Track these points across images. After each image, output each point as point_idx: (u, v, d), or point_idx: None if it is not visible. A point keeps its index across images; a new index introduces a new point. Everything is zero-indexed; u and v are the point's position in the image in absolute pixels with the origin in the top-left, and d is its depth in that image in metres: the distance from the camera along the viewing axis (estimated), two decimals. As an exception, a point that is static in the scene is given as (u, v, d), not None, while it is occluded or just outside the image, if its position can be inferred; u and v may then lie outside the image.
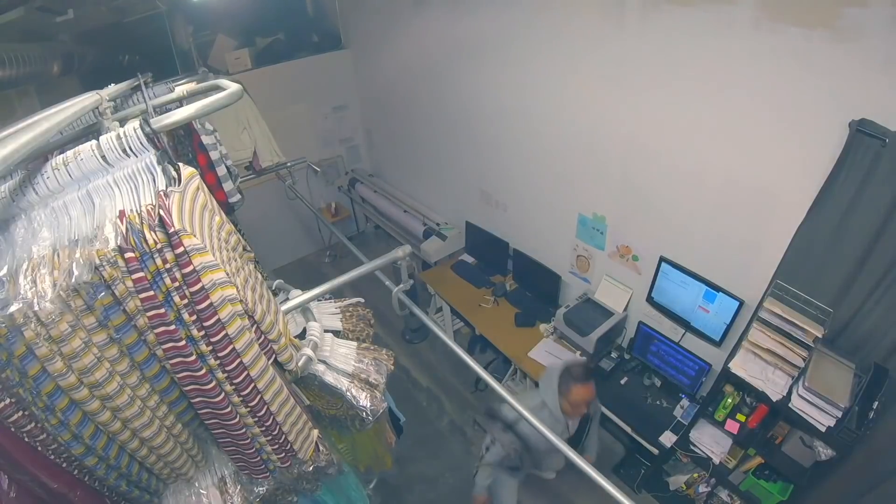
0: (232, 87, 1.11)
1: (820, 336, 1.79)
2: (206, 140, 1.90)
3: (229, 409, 1.07)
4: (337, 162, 4.62)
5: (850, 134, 1.62)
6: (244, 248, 1.27)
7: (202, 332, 0.97)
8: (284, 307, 1.33)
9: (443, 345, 1.81)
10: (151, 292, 0.95)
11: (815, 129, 1.73)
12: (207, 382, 1.02)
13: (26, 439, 0.92)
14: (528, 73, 2.70)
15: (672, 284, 2.46)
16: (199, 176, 1.02)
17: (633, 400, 2.62)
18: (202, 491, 1.32)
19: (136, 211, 0.91)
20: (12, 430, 0.89)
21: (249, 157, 3.20)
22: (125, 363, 1.02)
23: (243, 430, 1.12)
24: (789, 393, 1.85)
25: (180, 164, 0.98)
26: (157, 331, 1.00)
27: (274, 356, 1.13)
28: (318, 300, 1.53)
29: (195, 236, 0.94)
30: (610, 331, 2.74)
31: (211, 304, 0.96)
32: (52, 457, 0.98)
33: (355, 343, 1.46)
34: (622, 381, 2.72)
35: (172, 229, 0.91)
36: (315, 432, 1.29)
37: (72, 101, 1.06)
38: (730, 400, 2.13)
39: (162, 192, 0.92)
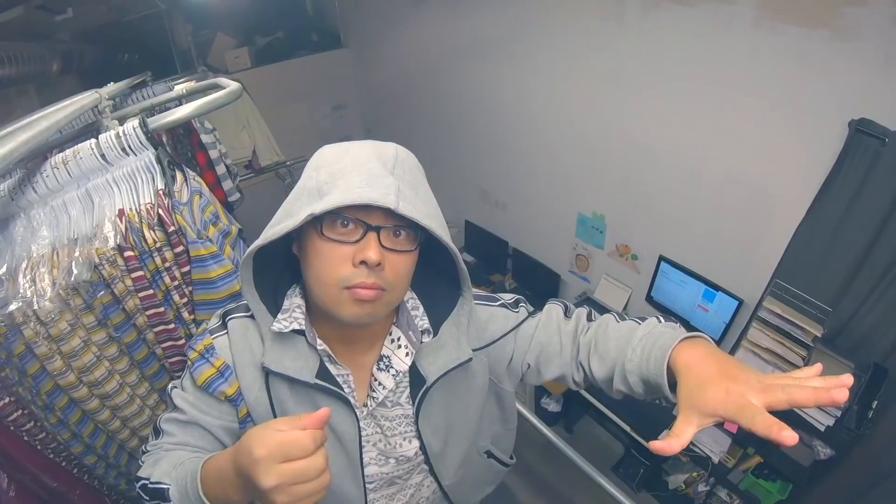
0: (231, 85, 1.11)
1: (819, 335, 1.79)
2: (206, 139, 1.90)
3: (229, 407, 1.07)
4: (336, 161, 4.61)
5: (850, 133, 1.62)
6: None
7: (201, 331, 0.97)
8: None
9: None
10: (151, 291, 0.95)
11: (814, 129, 1.73)
12: (207, 381, 1.02)
13: (25, 438, 0.92)
14: (528, 71, 2.69)
15: (671, 283, 2.46)
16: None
17: (632, 399, 2.60)
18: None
19: (136, 210, 0.91)
20: (11, 428, 0.89)
21: (249, 156, 3.19)
22: (124, 361, 1.02)
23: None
24: (788, 392, 1.85)
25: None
26: (156, 329, 1.00)
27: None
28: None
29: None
30: (609, 330, 2.73)
31: (210, 302, 0.96)
32: (52, 455, 0.98)
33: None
34: (621, 381, 2.72)
35: (171, 228, 0.91)
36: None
37: (71, 100, 1.06)
38: (729, 399, 2.13)
39: (161, 191, 0.92)
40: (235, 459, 0.54)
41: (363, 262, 0.60)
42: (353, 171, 0.60)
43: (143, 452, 0.73)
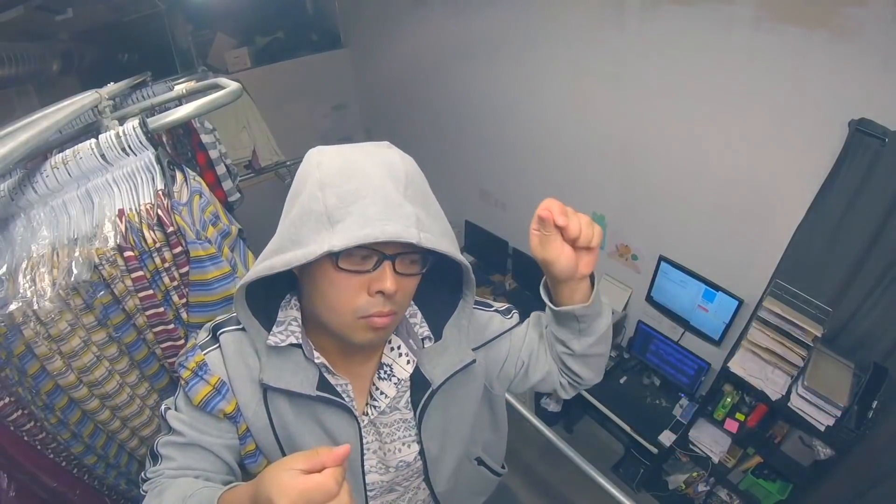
0: (231, 85, 1.11)
1: (819, 335, 1.79)
2: (206, 139, 1.90)
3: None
4: (336, 161, 4.60)
5: (850, 133, 1.62)
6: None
7: (201, 331, 0.97)
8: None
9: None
10: (150, 291, 0.95)
11: (814, 129, 1.73)
12: (207, 381, 1.02)
13: (25, 438, 0.91)
14: (528, 71, 2.69)
15: (671, 283, 2.46)
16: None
17: (632, 399, 2.62)
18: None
19: (136, 210, 0.91)
20: (11, 428, 0.89)
21: (249, 156, 3.20)
22: (124, 361, 1.02)
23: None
24: (788, 392, 1.86)
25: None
26: (155, 329, 1.00)
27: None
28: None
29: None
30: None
31: (210, 302, 0.96)
32: (52, 455, 0.98)
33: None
34: (621, 381, 2.72)
35: (170, 229, 0.91)
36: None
37: (71, 100, 1.06)
38: (729, 399, 2.13)
39: (160, 192, 0.92)
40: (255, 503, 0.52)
41: (379, 292, 0.59)
42: (367, 196, 0.56)
43: (143, 480, 0.70)
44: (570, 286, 0.72)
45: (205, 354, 0.71)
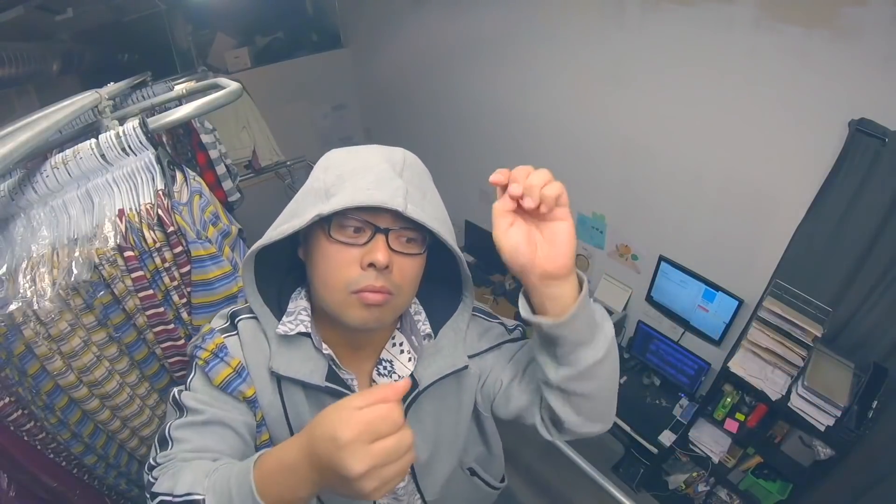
0: (231, 85, 1.11)
1: (819, 335, 1.79)
2: (206, 139, 1.90)
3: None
4: (336, 161, 4.60)
5: (850, 133, 1.62)
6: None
7: (201, 331, 0.97)
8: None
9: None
10: (150, 291, 0.95)
11: (814, 129, 1.73)
12: (207, 381, 1.01)
13: (26, 438, 0.92)
14: (528, 71, 2.69)
15: (671, 284, 2.46)
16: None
17: (632, 399, 2.62)
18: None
19: (136, 210, 0.91)
20: (12, 428, 0.89)
21: (249, 156, 3.20)
22: (124, 361, 1.02)
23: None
24: (788, 392, 1.86)
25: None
26: (155, 329, 1.00)
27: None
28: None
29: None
30: (609, 330, 2.73)
31: (210, 302, 0.96)
32: (52, 455, 0.98)
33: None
34: (621, 381, 2.70)
35: (171, 228, 0.91)
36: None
37: (71, 100, 1.06)
38: (729, 399, 2.13)
39: (161, 192, 0.92)
40: (310, 450, 0.48)
41: (371, 265, 0.59)
42: (362, 172, 0.61)
43: (152, 467, 0.62)
44: (539, 290, 0.58)
45: (224, 338, 0.70)
